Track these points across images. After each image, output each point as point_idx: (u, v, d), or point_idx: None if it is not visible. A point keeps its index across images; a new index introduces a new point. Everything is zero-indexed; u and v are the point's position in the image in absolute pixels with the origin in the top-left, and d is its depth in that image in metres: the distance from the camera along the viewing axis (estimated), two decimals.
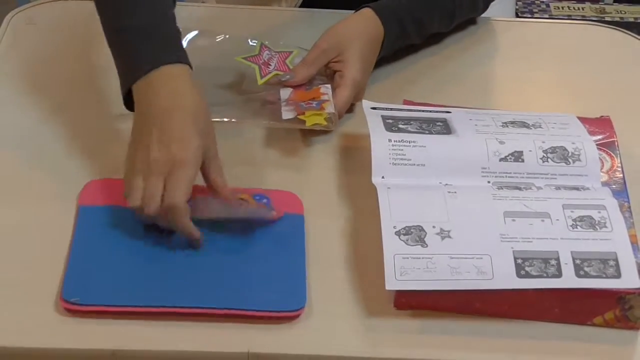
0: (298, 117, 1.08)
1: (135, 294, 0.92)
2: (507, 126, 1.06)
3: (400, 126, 1.04)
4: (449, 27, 1.28)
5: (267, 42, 1.17)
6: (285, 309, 0.92)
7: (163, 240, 0.97)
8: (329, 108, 1.10)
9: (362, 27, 1.17)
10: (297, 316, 0.92)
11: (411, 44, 1.24)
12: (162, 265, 0.96)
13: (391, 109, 1.08)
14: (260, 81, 1.14)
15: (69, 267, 0.94)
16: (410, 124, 1.05)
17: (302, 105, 1.10)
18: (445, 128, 1.05)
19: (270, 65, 1.15)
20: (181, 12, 1.26)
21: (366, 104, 1.08)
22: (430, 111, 1.08)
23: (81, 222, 0.99)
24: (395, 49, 1.22)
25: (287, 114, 1.09)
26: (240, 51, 1.16)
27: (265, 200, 1.02)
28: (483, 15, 1.34)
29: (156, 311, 0.92)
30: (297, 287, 0.95)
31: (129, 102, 1.03)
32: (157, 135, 0.96)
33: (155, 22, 1.04)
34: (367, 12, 1.18)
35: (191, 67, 1.03)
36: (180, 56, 1.03)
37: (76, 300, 0.91)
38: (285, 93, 1.13)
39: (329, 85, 1.14)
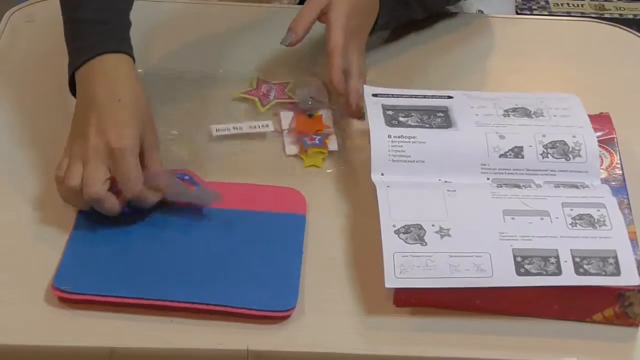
0: (300, 154, 1.09)
1: (126, 285, 0.92)
2: (509, 115, 1.05)
3: (401, 119, 1.04)
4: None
5: (262, 77, 1.17)
6: (275, 309, 0.92)
7: (162, 232, 0.98)
8: (332, 144, 1.10)
9: None
10: (288, 316, 0.92)
11: (413, 20, 1.22)
12: (157, 257, 0.95)
13: (392, 96, 1.07)
14: (262, 109, 1.14)
15: (65, 255, 0.95)
16: (411, 116, 1.04)
17: (305, 141, 1.10)
18: (446, 120, 1.04)
19: (269, 96, 1.15)
20: (179, 10, 1.28)
21: (367, 89, 1.08)
22: (432, 97, 1.07)
23: (82, 216, 0.99)
24: (396, 22, 1.20)
25: (290, 148, 1.10)
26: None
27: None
28: (484, 12, 1.33)
29: (147, 304, 0.91)
30: (289, 287, 0.94)
31: (74, 88, 1.04)
32: (96, 123, 0.97)
33: (101, 14, 1.05)
34: None
35: (133, 59, 1.03)
36: (121, 46, 1.03)
37: (67, 288, 0.91)
38: (286, 120, 1.12)
39: (329, 112, 1.14)
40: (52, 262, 0.95)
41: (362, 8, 1.14)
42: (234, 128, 1.11)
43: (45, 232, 0.99)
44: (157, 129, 1.03)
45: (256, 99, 1.15)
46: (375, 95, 1.07)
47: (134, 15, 1.09)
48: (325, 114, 1.14)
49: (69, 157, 0.98)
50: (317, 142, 1.10)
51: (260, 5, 1.33)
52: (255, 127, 1.11)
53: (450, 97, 1.07)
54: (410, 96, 1.07)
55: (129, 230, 0.98)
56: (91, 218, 0.98)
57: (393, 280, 0.91)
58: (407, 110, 1.04)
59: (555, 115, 1.05)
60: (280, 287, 0.94)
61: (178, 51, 1.24)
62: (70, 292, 0.91)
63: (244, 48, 1.25)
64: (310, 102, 1.14)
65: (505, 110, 1.05)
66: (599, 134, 1.05)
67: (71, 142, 0.99)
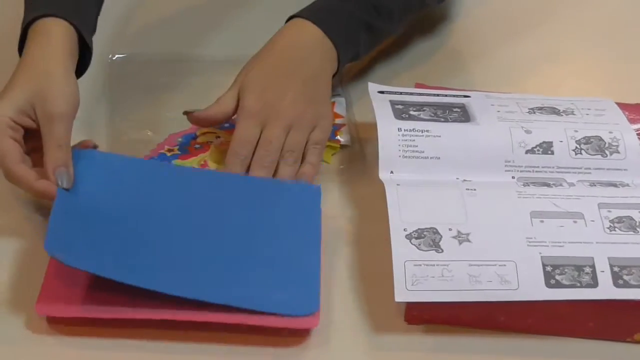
0: None
1: (121, 266, 0.90)
2: (535, 112, 1.04)
3: (412, 113, 1.03)
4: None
5: None
6: (297, 313, 0.90)
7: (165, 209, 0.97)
8: (344, 137, 1.10)
9: (267, 49, 1.07)
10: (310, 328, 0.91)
11: (390, 33, 1.18)
12: (158, 235, 0.95)
13: (401, 93, 1.06)
14: None
15: (52, 214, 0.93)
16: (423, 110, 1.03)
17: None
18: (464, 115, 1.03)
19: None
20: None
21: (372, 87, 1.07)
22: (446, 95, 1.07)
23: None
24: (367, 48, 1.14)
25: None
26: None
27: None
28: None
29: (146, 318, 0.89)
30: (309, 287, 0.93)
31: None
32: None
33: None
34: (294, 24, 1.09)
35: (74, 23, 1.01)
36: (52, 8, 1.01)
37: (59, 257, 0.89)
38: None
39: (343, 100, 1.14)
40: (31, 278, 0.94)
41: (278, 74, 1.06)
42: None
43: (20, 242, 0.98)
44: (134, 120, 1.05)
45: None
46: (381, 92, 1.06)
47: None
48: (338, 102, 1.13)
49: None
50: None
51: None
52: None
53: (467, 97, 1.07)
54: (422, 94, 1.07)
55: (124, 193, 0.97)
56: (84, 169, 0.97)
57: (404, 293, 0.89)
58: (419, 105, 1.04)
59: (587, 114, 1.05)
60: (300, 286, 0.93)
61: (163, 33, 1.24)
62: (62, 261, 0.89)
63: (240, 28, 1.25)
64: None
65: (531, 109, 1.05)
66: (638, 125, 1.05)
67: None
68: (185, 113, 1.05)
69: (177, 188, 0.99)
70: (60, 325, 0.89)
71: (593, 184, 0.99)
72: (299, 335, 0.90)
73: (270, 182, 1.00)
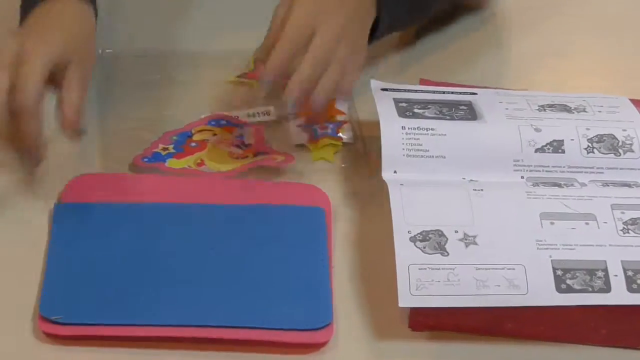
0: (308, 144, 1.08)
1: (126, 310, 0.90)
2: (545, 110, 1.04)
3: (416, 111, 1.02)
4: None
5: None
6: (309, 326, 0.90)
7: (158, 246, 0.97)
8: (346, 134, 1.09)
9: None
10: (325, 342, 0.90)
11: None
12: (159, 275, 0.94)
13: (405, 90, 1.05)
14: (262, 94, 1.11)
15: (45, 278, 0.93)
16: (428, 108, 1.02)
17: (316, 131, 1.09)
18: (470, 113, 1.02)
19: None
20: None
21: (375, 84, 1.06)
22: (453, 92, 1.06)
23: (58, 223, 0.97)
24: (408, 18, 1.15)
25: (298, 137, 1.08)
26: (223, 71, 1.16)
27: None
28: None
29: (152, 335, 0.89)
30: (320, 302, 0.93)
31: None
32: (20, 32, 1.01)
33: None
34: None
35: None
36: None
37: (58, 319, 0.88)
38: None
39: None
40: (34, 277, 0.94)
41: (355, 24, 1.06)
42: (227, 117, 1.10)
43: (24, 237, 0.97)
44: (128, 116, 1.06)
45: (255, 83, 1.13)
46: (384, 89, 1.05)
47: None
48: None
49: None
50: (329, 131, 1.09)
51: None
52: (253, 115, 1.10)
53: (474, 94, 1.06)
54: (426, 91, 1.06)
55: (119, 239, 0.96)
56: (71, 223, 0.97)
57: (408, 298, 0.88)
58: (424, 103, 1.04)
59: (600, 112, 1.04)
60: (310, 302, 0.92)
61: (156, 26, 1.24)
62: (60, 324, 0.89)
63: (238, 20, 1.24)
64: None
65: (541, 106, 1.05)
66: None
67: None
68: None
69: (175, 226, 0.98)
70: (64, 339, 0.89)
71: (606, 184, 0.98)
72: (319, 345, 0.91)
73: (272, 208, 1.00)
